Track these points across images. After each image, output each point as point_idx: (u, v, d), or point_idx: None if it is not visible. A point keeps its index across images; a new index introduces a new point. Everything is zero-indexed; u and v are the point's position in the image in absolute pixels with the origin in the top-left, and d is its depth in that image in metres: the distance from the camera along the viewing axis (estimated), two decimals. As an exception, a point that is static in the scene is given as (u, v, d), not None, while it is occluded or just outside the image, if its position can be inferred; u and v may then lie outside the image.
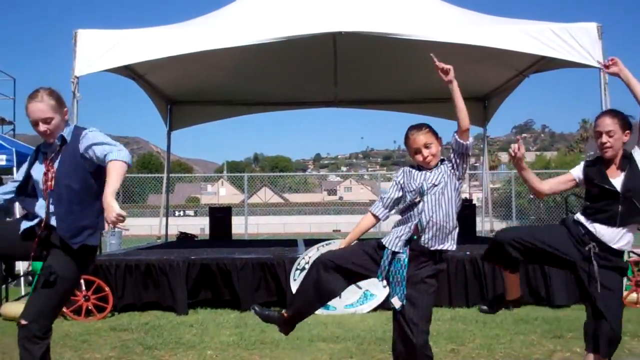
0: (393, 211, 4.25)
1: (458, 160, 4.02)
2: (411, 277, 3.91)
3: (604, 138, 4.14)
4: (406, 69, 13.22)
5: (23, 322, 3.88)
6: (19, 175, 4.18)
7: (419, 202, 3.98)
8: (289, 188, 75.69)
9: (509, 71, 12.66)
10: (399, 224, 4.08)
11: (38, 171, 4.06)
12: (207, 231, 16.72)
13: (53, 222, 3.93)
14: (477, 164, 28.48)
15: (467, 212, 14.82)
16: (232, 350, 6.31)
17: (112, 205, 3.65)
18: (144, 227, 33.84)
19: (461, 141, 4.00)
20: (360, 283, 8.53)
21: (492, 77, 13.53)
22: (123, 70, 11.08)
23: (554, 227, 4.50)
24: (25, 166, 4.16)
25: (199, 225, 29.62)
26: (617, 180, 4.16)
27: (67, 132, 4.06)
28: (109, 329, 7.47)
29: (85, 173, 3.98)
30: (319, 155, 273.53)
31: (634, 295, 8.77)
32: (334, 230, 42.36)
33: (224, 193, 74.98)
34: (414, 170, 4.12)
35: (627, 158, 4.19)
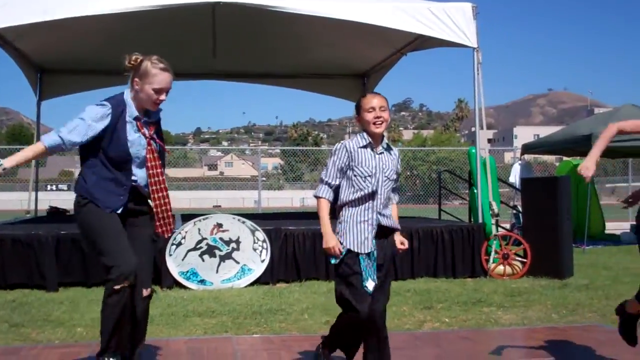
0: None
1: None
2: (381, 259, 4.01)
3: None
4: (287, 44, 13.19)
5: (146, 292, 4.11)
6: (91, 131, 3.94)
7: (375, 191, 3.97)
8: (168, 162, 73.72)
9: (387, 49, 12.84)
10: (355, 216, 3.97)
11: (137, 139, 4.04)
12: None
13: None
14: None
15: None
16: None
17: None
18: (14, 201, 32.50)
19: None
20: (238, 257, 8.54)
21: (371, 54, 13.69)
22: (-11, 36, 10.48)
23: None
24: (105, 125, 3.96)
25: (71, 200, 28.60)
26: None
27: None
28: (-29, 307, 7.11)
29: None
30: (200, 129, 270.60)
31: (500, 268, 9.17)
32: (214, 206, 42.13)
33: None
34: (361, 151, 4.00)
35: None
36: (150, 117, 4.09)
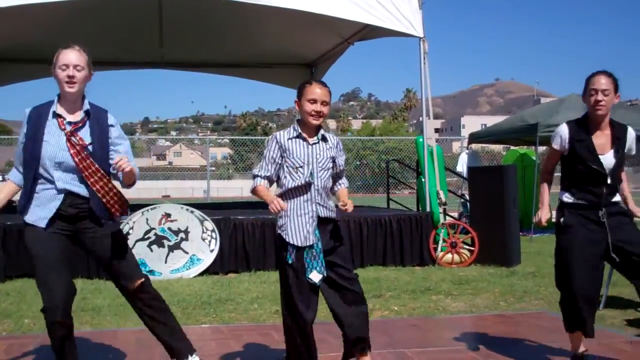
0: None
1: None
2: (327, 248, 3.88)
3: (600, 96, 4.02)
4: (235, 33, 13.10)
5: (133, 285, 3.98)
6: (22, 146, 3.81)
7: (311, 183, 3.87)
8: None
9: (334, 38, 12.85)
10: (294, 210, 3.87)
11: (56, 138, 3.78)
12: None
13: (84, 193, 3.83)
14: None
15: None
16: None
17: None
18: (-45, 192, 31.61)
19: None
20: (187, 247, 8.48)
21: (319, 44, 13.68)
22: None
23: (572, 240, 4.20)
24: (26, 132, 3.80)
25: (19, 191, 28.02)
26: (606, 157, 4.11)
27: (86, 105, 3.90)
28: None
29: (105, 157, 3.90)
30: (148, 118, 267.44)
31: (448, 256, 9.29)
32: (163, 196, 41.69)
33: (45, 157, 71.41)
34: (292, 142, 3.91)
35: (616, 133, 4.16)
36: (87, 115, 3.85)
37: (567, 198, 4.20)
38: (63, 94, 3.80)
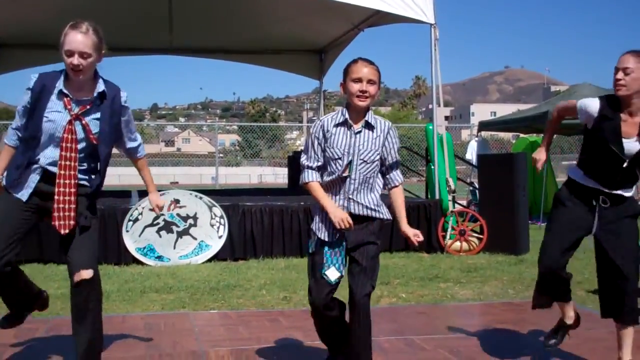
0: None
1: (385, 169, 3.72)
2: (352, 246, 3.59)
3: (619, 74, 3.76)
4: (245, 19, 13.08)
5: (78, 277, 3.61)
6: (22, 114, 3.63)
7: (347, 176, 3.57)
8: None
9: (344, 24, 12.80)
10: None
11: (58, 116, 3.59)
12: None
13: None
14: (315, 118, 28.89)
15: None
16: (60, 303, 6.05)
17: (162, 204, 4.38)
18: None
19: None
20: (195, 233, 8.50)
21: (329, 30, 13.64)
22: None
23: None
24: (28, 102, 3.61)
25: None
26: (630, 142, 3.78)
27: (100, 85, 3.69)
28: None
29: (113, 141, 3.85)
30: (157, 105, 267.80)
31: (457, 244, 9.27)
32: (171, 183, 41.75)
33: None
34: (336, 129, 3.58)
35: None
36: (100, 98, 3.68)
37: (574, 176, 4.00)
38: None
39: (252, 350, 4.49)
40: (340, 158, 3.54)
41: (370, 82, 3.52)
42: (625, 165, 3.81)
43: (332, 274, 3.55)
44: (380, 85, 3.61)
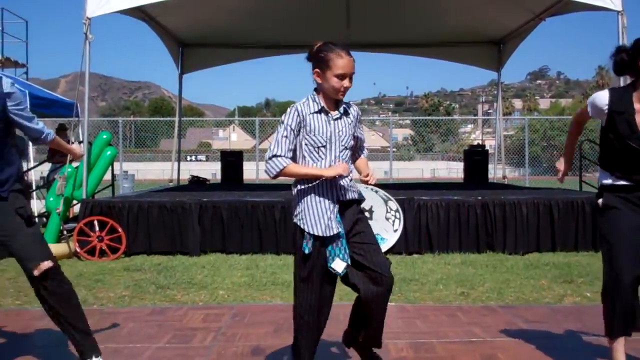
0: None
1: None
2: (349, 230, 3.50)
3: None
4: (419, 12, 13.06)
5: (37, 270, 3.63)
6: None
7: (331, 164, 3.46)
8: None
9: (525, 14, 12.45)
10: (312, 195, 3.47)
11: None
12: (218, 176, 16.77)
13: None
14: (491, 111, 28.34)
15: (479, 158, 14.78)
16: (244, 290, 6.36)
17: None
18: (156, 171, 34.03)
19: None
20: (372, 227, 8.58)
21: (508, 21, 13.32)
22: (135, 12, 10.98)
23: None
24: None
25: (210, 170, 29.74)
26: None
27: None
28: (122, 269, 7.55)
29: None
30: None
31: None
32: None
33: (235, 138, 74.91)
34: (314, 117, 3.45)
35: None
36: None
37: (605, 179, 3.68)
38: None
39: (431, 344, 4.49)
40: (324, 146, 3.44)
41: (351, 77, 3.45)
42: None
43: (338, 265, 3.41)
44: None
